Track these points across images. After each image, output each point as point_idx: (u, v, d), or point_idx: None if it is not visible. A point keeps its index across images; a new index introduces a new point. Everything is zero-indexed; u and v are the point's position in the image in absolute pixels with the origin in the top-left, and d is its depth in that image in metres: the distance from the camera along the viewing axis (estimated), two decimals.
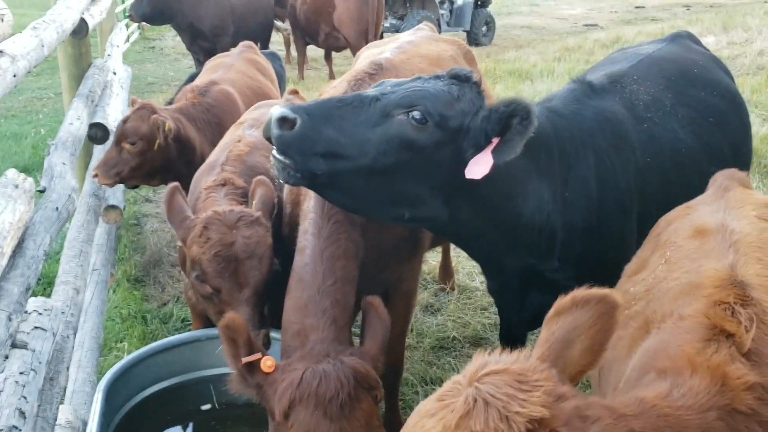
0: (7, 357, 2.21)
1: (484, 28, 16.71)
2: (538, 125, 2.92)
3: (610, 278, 2.45)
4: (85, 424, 3.19)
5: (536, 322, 3.61)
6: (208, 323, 3.57)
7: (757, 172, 7.01)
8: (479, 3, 16.70)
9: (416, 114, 2.46)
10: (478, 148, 2.51)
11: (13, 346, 2.27)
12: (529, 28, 19.63)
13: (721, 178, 2.51)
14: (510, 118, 2.46)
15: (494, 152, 2.48)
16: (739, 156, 3.43)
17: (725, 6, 22.82)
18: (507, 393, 1.33)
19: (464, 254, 5.58)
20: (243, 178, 3.48)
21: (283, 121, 2.36)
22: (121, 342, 4.61)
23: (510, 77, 11.85)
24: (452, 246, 5.27)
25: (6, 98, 11.62)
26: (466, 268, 5.47)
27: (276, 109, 2.40)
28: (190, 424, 3.55)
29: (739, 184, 2.46)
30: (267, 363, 2.48)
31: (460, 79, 2.63)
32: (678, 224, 2.28)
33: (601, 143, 3.03)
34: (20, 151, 8.69)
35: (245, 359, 2.45)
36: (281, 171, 2.43)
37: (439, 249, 5.10)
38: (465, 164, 2.52)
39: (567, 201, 2.96)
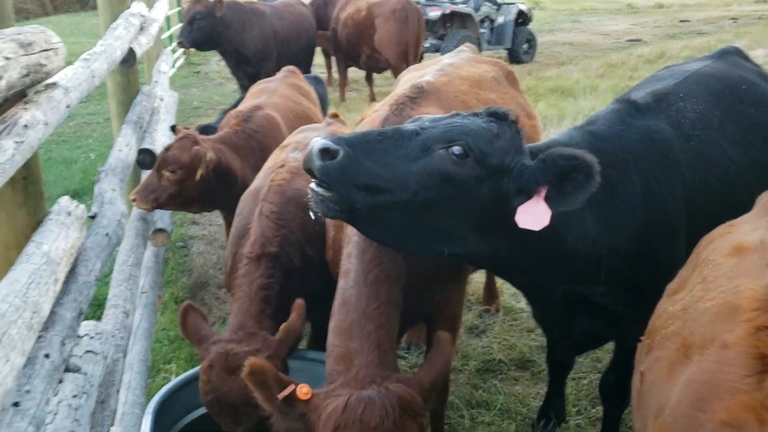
0: (61, 381, 2.26)
1: (525, 46, 16.65)
2: (579, 150, 2.90)
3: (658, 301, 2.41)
4: None
5: (584, 346, 3.56)
6: None
7: None
8: (520, 21, 16.65)
9: (456, 149, 2.45)
10: (526, 194, 2.49)
11: (67, 370, 2.33)
12: (571, 45, 19.50)
13: (766, 196, 2.45)
14: (572, 172, 2.42)
15: (550, 202, 2.46)
16: None
17: None
18: None
19: None
20: (278, 219, 3.50)
21: (325, 152, 2.35)
22: (168, 363, 4.68)
23: (552, 94, 11.78)
24: None
25: (58, 124, 12.01)
26: (511, 289, 5.41)
27: (317, 140, 2.39)
28: None
29: None
30: (303, 390, 2.47)
31: (499, 117, 2.62)
32: (718, 242, 2.23)
33: (646, 164, 2.98)
34: (71, 175, 8.93)
35: (281, 395, 2.45)
36: (320, 204, 2.41)
37: (483, 270, 5.07)
38: (507, 205, 2.51)
39: (612, 225, 2.91)
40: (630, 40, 19.80)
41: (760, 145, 3.33)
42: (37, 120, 2.19)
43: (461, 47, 4.53)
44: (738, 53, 3.98)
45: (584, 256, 2.87)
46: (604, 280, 2.97)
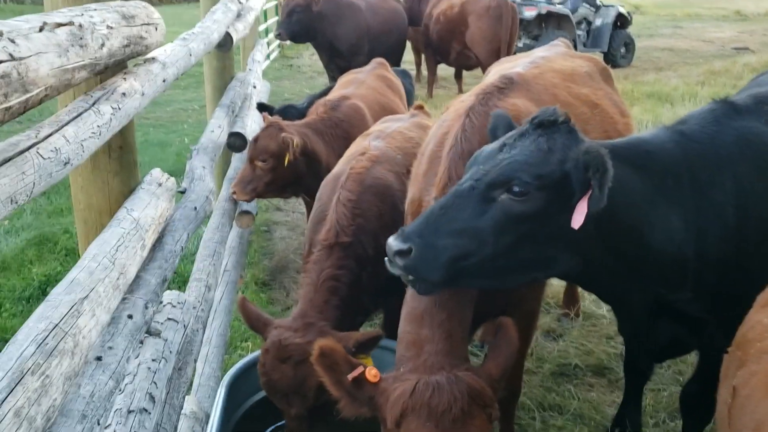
0: (141, 342, 2.35)
1: (622, 50, 16.16)
2: (666, 151, 2.79)
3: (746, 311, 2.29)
4: (207, 416, 3.33)
5: (666, 354, 3.42)
6: None
7: None
8: (618, 24, 16.18)
9: (515, 189, 2.45)
10: (580, 194, 2.45)
11: (148, 333, 2.42)
12: (671, 51, 18.78)
13: None
14: (585, 170, 2.40)
15: (590, 199, 2.41)
16: None
17: None
18: None
19: None
20: (355, 209, 3.51)
21: (400, 254, 2.45)
22: (245, 341, 4.80)
23: (648, 100, 11.38)
24: None
25: (155, 109, 12.51)
26: (593, 295, 5.26)
27: (390, 242, 2.49)
28: None
29: None
30: (372, 373, 2.49)
31: (545, 125, 2.56)
32: None
33: (741, 168, 2.83)
34: (165, 157, 9.29)
35: (351, 376, 2.47)
36: (419, 287, 2.54)
37: None
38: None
39: (700, 230, 2.79)
40: (736, 48, 18.88)
41: None
42: (134, 89, 2.28)
43: (555, 41, 4.43)
44: None
45: (670, 260, 2.77)
46: (692, 286, 2.85)
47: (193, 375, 3.30)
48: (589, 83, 3.71)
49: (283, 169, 4.66)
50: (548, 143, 2.51)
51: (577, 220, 2.42)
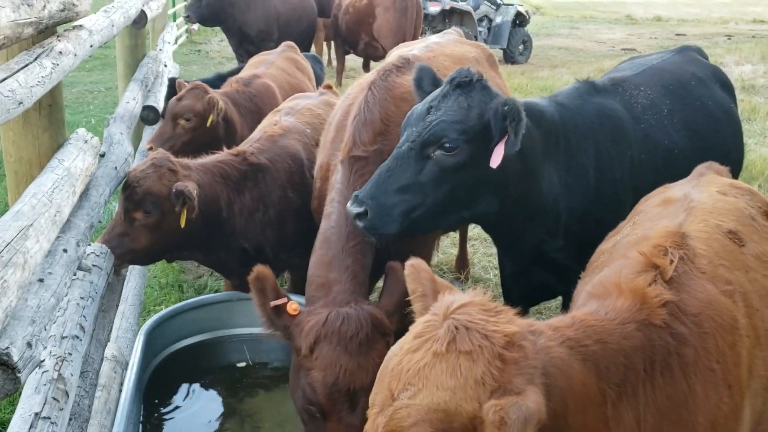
0: (75, 274, 2.62)
1: (521, 47, 17.05)
2: (548, 115, 3.29)
3: None
4: (127, 363, 3.59)
5: (537, 297, 3.94)
6: (239, 289, 3.94)
7: None
8: (517, 22, 17.05)
9: (446, 145, 2.89)
10: (496, 141, 2.89)
11: (80, 268, 2.68)
12: (566, 50, 19.90)
13: (700, 167, 2.84)
14: (503, 119, 2.84)
15: (507, 143, 2.85)
16: (729, 162, 3.72)
17: (766, 37, 22.81)
18: (480, 318, 1.59)
19: (480, 250, 5.96)
20: (267, 155, 3.86)
21: (358, 216, 2.89)
22: (159, 306, 5.03)
23: (541, 93, 12.15)
24: (468, 241, 5.65)
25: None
26: (482, 262, 5.81)
27: (348, 208, 2.93)
28: (220, 379, 3.88)
29: (715, 173, 2.78)
30: (292, 306, 2.84)
31: (463, 85, 2.99)
32: (652, 198, 2.62)
33: (600, 136, 3.37)
34: None
35: (273, 303, 2.81)
36: (378, 239, 2.98)
37: (456, 242, 5.46)
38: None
39: (569, 186, 3.31)
40: (625, 49, 20.21)
41: (703, 134, 3.72)
42: (68, 50, 2.55)
43: (448, 30, 4.90)
44: (698, 51, 4.37)
45: (550, 208, 3.28)
46: (562, 235, 3.35)
47: (113, 320, 3.54)
48: (476, 67, 4.17)
49: (204, 130, 4.84)
50: (467, 100, 2.94)
51: (495, 160, 2.86)
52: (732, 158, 3.80)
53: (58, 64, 2.37)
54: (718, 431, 1.82)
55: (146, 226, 3.35)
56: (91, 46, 2.94)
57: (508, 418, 1.40)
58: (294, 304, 2.85)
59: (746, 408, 1.89)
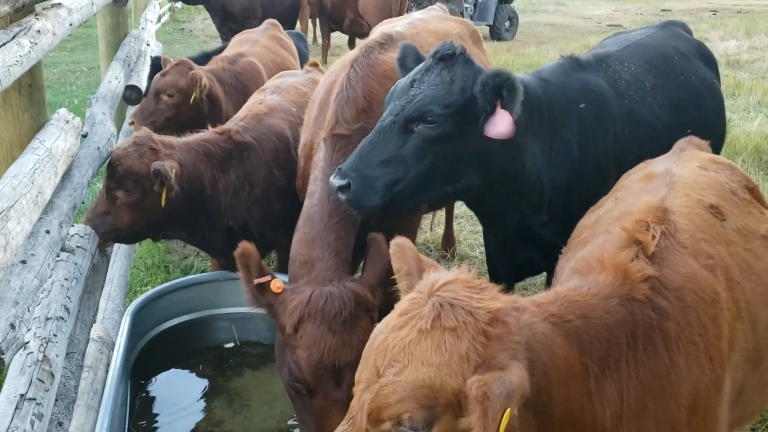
0: (58, 256, 2.61)
1: (507, 24, 16.99)
2: (532, 90, 3.29)
3: None
4: (113, 344, 3.59)
5: (523, 273, 3.96)
6: (226, 269, 3.94)
7: (759, 169, 7.29)
8: None
9: (428, 119, 2.88)
10: (488, 113, 2.88)
11: (63, 249, 2.67)
12: (552, 26, 19.86)
13: (681, 142, 2.85)
14: (499, 89, 2.83)
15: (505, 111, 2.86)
16: (711, 136, 3.74)
17: (752, 12, 22.85)
18: (465, 295, 1.61)
19: (466, 228, 5.98)
20: (252, 134, 3.85)
21: (341, 189, 2.88)
22: (145, 286, 5.03)
23: (528, 70, 12.07)
24: (455, 219, 5.67)
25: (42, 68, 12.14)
26: (468, 239, 5.84)
27: (332, 181, 2.91)
28: (208, 358, 3.89)
29: (696, 147, 2.79)
30: (276, 284, 2.84)
31: (445, 59, 2.98)
32: (634, 174, 2.63)
33: (583, 111, 3.37)
34: None
35: (257, 280, 2.81)
36: (361, 212, 2.97)
37: (443, 220, 5.49)
38: (482, 127, 2.91)
39: (552, 161, 3.32)
40: (610, 25, 20.19)
41: (686, 109, 3.73)
42: (47, 29, 2.51)
43: (433, 6, 4.87)
44: (682, 26, 4.37)
45: (533, 183, 3.29)
46: (546, 210, 3.37)
47: (99, 301, 3.54)
48: (460, 43, 4.16)
49: (188, 107, 4.81)
50: (450, 75, 2.94)
51: (500, 131, 2.86)
52: (715, 133, 3.83)
53: (36, 43, 2.34)
54: (700, 403, 1.85)
55: (127, 204, 3.35)
56: (70, 25, 2.90)
57: (491, 393, 1.41)
58: (278, 281, 2.85)
59: (727, 380, 1.92)
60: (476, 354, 1.50)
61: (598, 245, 1.98)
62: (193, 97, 4.75)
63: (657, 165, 2.62)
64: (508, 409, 1.42)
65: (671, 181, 2.28)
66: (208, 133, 3.78)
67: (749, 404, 2.14)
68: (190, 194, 3.53)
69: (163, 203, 3.34)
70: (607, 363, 1.76)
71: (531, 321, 1.68)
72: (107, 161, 3.36)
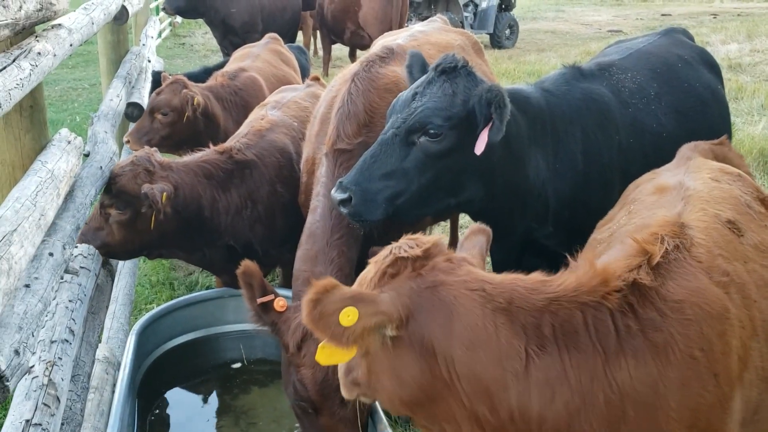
0: (62, 278, 2.59)
1: (507, 32, 17.00)
2: (534, 101, 3.27)
3: None
4: (119, 364, 3.57)
5: None
6: (230, 286, 3.91)
7: (765, 173, 7.26)
8: (503, 6, 17.00)
9: (430, 131, 2.88)
10: (484, 125, 2.88)
11: (67, 271, 2.66)
12: (552, 33, 19.87)
13: (684, 149, 2.83)
14: (488, 106, 2.83)
15: (491, 130, 2.85)
16: None
17: (752, 15, 22.86)
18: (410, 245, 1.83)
19: None
20: (254, 151, 3.84)
21: (342, 202, 2.87)
22: (150, 304, 5.01)
23: (529, 78, 12.14)
24: (459, 229, 5.64)
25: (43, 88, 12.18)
26: None
27: (333, 194, 2.91)
28: (214, 376, 3.86)
29: (700, 154, 2.77)
30: (279, 303, 2.83)
31: (447, 71, 2.98)
32: (643, 186, 2.61)
33: (587, 121, 3.36)
34: None
35: (260, 300, 2.80)
36: (363, 226, 2.98)
37: (447, 227, 5.44)
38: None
39: (557, 172, 3.30)
40: (611, 31, 20.22)
41: (691, 117, 3.72)
42: (47, 51, 2.51)
43: (434, 17, 4.87)
44: (684, 33, 4.36)
45: (537, 194, 3.28)
46: (551, 221, 3.35)
47: (104, 321, 3.52)
48: (462, 55, 4.15)
49: (182, 125, 4.81)
50: (452, 87, 2.94)
51: (480, 147, 2.86)
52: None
53: (37, 66, 2.33)
54: (700, 419, 1.82)
55: (119, 222, 3.36)
56: (71, 45, 2.90)
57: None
58: (281, 300, 2.83)
59: (737, 398, 1.88)
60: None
61: (610, 255, 1.96)
62: (186, 116, 4.75)
63: (667, 176, 2.59)
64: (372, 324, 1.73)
65: (686, 194, 2.25)
66: (208, 152, 3.77)
67: (765, 423, 2.09)
68: (187, 216, 3.53)
69: (151, 226, 3.35)
70: (548, 351, 1.75)
71: (443, 280, 1.77)
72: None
